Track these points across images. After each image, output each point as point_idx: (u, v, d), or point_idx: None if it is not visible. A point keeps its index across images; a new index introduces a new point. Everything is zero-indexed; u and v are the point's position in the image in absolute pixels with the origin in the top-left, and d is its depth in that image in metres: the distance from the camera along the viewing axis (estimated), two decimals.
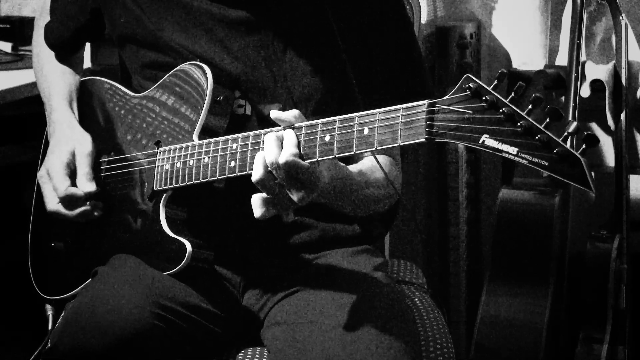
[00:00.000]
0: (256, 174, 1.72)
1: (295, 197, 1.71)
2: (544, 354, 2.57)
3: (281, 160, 1.69)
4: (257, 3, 1.96)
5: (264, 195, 1.73)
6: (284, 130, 1.73)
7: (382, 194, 1.93)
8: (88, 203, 2.00)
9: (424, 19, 2.81)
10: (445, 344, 2.03)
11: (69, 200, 1.99)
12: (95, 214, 2.01)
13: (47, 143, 2.15)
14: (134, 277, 1.87)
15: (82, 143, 2.03)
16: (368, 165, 1.89)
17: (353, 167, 1.85)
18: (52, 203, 2.01)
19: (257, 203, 1.74)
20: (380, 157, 1.92)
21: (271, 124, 1.76)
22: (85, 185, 1.99)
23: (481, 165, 2.99)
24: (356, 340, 1.78)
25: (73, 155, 2.01)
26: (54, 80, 2.16)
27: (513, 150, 1.50)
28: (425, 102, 1.59)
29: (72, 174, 2.01)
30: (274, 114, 1.74)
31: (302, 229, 1.98)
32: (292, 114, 1.74)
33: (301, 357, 1.79)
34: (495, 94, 1.52)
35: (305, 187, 1.71)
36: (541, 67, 2.86)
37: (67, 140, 2.03)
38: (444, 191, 2.95)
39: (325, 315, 1.83)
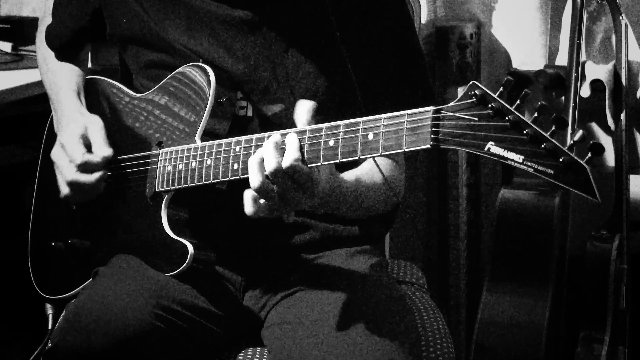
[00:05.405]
0: (255, 181, 1.71)
1: (292, 202, 1.71)
2: (544, 354, 2.57)
3: (285, 164, 1.68)
4: (259, 3, 1.96)
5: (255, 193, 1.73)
6: (287, 134, 1.72)
7: (381, 199, 1.92)
8: (104, 170, 1.98)
9: (424, 19, 2.81)
10: (445, 344, 2.03)
11: (86, 167, 1.97)
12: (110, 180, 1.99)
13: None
14: (134, 278, 1.88)
15: (93, 121, 2.02)
16: (367, 169, 1.89)
17: (350, 174, 1.85)
18: (70, 173, 1.98)
19: (249, 200, 1.74)
20: (380, 160, 1.91)
21: (273, 125, 1.76)
22: (102, 150, 1.97)
23: (481, 166, 2.99)
24: (356, 340, 1.78)
25: (86, 129, 2.00)
26: (60, 74, 2.15)
27: (519, 158, 1.49)
28: (431, 108, 1.58)
29: (87, 146, 1.99)
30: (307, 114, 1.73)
31: (303, 230, 1.98)
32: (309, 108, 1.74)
33: (301, 357, 1.80)
34: (501, 101, 1.52)
35: (304, 193, 1.70)
36: (541, 67, 2.86)
37: (78, 120, 2.02)
38: (444, 191, 2.95)
39: (325, 316, 1.83)
